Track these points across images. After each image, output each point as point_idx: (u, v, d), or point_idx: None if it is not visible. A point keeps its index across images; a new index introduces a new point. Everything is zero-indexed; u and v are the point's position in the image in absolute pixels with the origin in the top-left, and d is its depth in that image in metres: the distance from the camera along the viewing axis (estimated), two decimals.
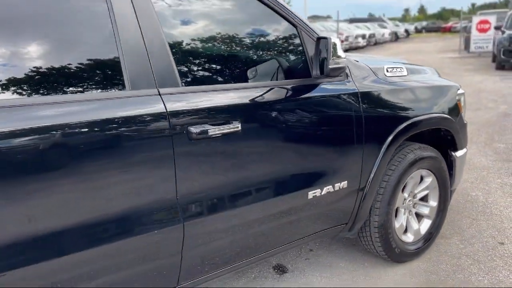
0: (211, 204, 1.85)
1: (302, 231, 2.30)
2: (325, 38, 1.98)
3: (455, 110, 2.88)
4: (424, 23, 59.56)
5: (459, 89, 2.99)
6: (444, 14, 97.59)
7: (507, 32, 12.16)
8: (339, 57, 2.00)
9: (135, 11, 1.67)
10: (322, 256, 2.94)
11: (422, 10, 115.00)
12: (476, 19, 17.21)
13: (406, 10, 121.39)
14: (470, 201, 3.70)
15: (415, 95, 2.64)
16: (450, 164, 2.96)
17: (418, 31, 51.20)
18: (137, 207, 1.65)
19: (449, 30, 47.86)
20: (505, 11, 19.41)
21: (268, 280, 2.68)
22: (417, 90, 2.67)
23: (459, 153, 2.99)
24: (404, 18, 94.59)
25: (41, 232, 1.45)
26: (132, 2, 1.67)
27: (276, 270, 2.79)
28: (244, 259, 2.09)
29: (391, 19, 47.89)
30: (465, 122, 3.03)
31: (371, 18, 40.39)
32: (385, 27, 32.56)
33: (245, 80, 2.07)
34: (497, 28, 14.25)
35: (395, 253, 2.69)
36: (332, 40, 1.95)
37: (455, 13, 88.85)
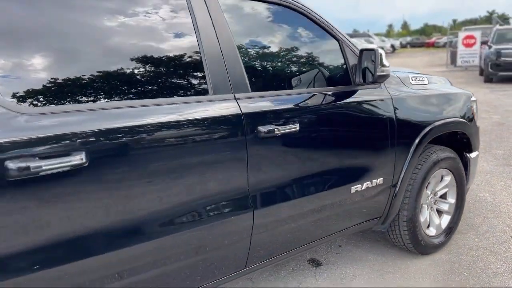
0: (275, 195, 2.10)
1: (345, 222, 2.55)
2: (371, 49, 2.27)
3: (470, 115, 3.19)
4: (408, 38, 60.91)
5: (471, 97, 3.30)
6: (427, 30, 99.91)
7: (494, 46, 12.72)
8: (384, 65, 2.29)
9: (215, 30, 1.93)
10: (351, 251, 3.18)
11: (405, 26, 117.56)
12: (462, 34, 17.86)
13: (390, 26, 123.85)
14: (479, 201, 3.99)
15: (436, 102, 2.94)
16: (465, 164, 3.26)
17: (403, 46, 52.36)
18: (217, 195, 1.89)
19: (432, 45, 49.08)
20: (489, 26, 20.19)
21: (305, 272, 2.91)
22: (437, 97, 2.97)
23: (473, 155, 3.29)
24: (388, 34, 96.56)
25: (152, 213, 1.69)
26: (212, 23, 1.93)
27: (311, 264, 3.03)
28: (299, 245, 2.34)
29: (376, 34, 48.88)
30: (478, 126, 3.34)
31: (357, 34, 41.25)
32: (371, 43, 33.35)
33: (298, 87, 2.34)
34: (484, 43, 14.86)
35: (421, 246, 2.96)
36: (379, 51, 2.24)
37: (437, 29, 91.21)
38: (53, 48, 1.57)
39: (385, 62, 2.29)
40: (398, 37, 73.85)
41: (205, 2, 1.93)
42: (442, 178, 3.11)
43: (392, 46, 42.09)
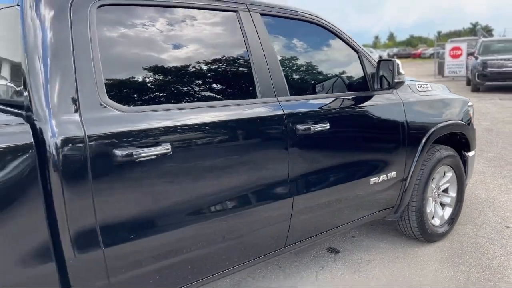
0: (310, 184, 2.45)
1: (365, 211, 2.91)
2: (390, 60, 2.65)
3: (468, 118, 3.58)
4: (395, 50, 62.13)
5: (469, 102, 3.70)
6: (413, 41, 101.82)
7: (480, 57, 13.32)
8: (400, 73, 2.67)
9: (261, 46, 2.30)
10: (364, 241, 3.54)
11: (391, 37, 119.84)
12: (448, 46, 18.54)
13: (377, 37, 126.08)
14: (475, 197, 4.39)
15: (439, 106, 3.33)
16: (464, 162, 3.65)
17: (390, 57, 53.42)
18: (264, 182, 2.24)
19: (419, 56, 50.20)
20: (474, 38, 20.95)
21: (325, 258, 3.25)
22: (440, 102, 3.37)
23: (470, 153, 3.68)
24: (375, 45, 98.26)
25: (216, 194, 2.05)
26: (260, 41, 2.30)
27: (329, 251, 3.37)
28: (327, 230, 2.69)
29: (363, 45, 49.78)
30: (474, 128, 3.73)
31: None
32: None
33: (325, 91, 2.71)
34: (470, 54, 15.48)
35: (428, 234, 3.33)
36: (396, 61, 2.62)
37: (423, 40, 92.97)
38: (143, 66, 1.93)
39: (401, 70, 2.68)
40: (384, 48, 75.21)
41: (254, 24, 2.30)
42: (444, 174, 3.49)
43: (380, 57, 42.94)
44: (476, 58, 13.55)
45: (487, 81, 12.99)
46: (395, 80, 2.65)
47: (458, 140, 3.61)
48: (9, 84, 1.89)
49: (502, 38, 19.68)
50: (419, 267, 3.10)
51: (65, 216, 1.61)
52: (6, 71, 1.93)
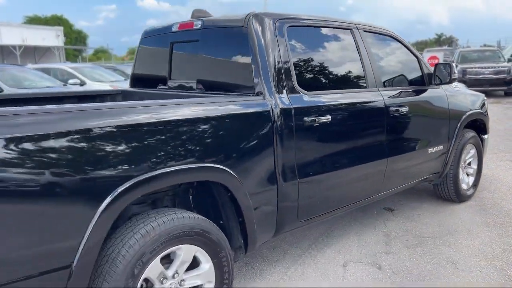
0: (397, 149, 3.49)
1: (423, 173, 3.97)
2: (447, 63, 3.73)
3: (485, 109, 4.72)
4: None
5: (484, 96, 4.84)
6: None
7: (460, 66, 14.82)
8: (455, 73, 3.76)
9: (367, 53, 3.34)
10: (409, 203, 4.59)
11: None
12: (426, 55, 20.14)
13: None
14: (483, 175, 5.54)
15: (468, 99, 4.45)
16: (482, 142, 4.78)
17: None
18: (372, 146, 3.27)
19: None
20: (449, 48, 22.72)
21: (384, 215, 4.29)
22: (468, 95, 4.49)
23: (486, 136, 4.82)
24: None
25: (354, 152, 3.07)
26: (366, 50, 3.33)
27: (386, 210, 4.42)
28: (402, 185, 3.74)
29: None
30: (488, 117, 4.87)
31: None
32: None
33: (398, 85, 3.77)
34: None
35: (460, 195, 4.43)
36: (453, 64, 3.71)
37: None
38: (313, 65, 2.94)
39: (455, 70, 3.76)
40: None
41: (360, 37, 3.34)
42: (469, 150, 4.60)
43: None
44: (456, 66, 15.04)
45: (467, 86, 14.45)
46: (452, 77, 3.74)
47: (478, 125, 4.73)
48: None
49: (478, 48, 21.47)
50: (457, 216, 4.18)
51: (280, 154, 2.59)
52: (229, 72, 2.90)
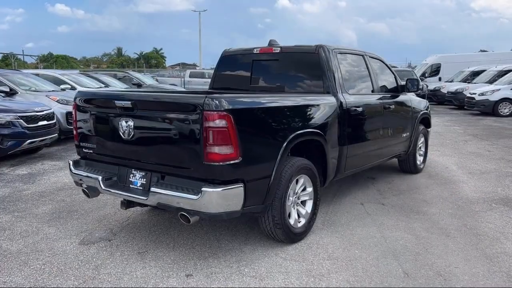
0: (389, 132, 5.52)
1: (397, 151, 6.02)
2: (415, 79, 5.82)
3: (429, 109, 6.95)
4: None
5: (427, 101, 7.08)
6: None
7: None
8: (421, 85, 5.87)
9: (373, 68, 5.32)
10: (382, 175, 6.65)
11: None
12: None
13: None
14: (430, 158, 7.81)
15: (421, 102, 6.63)
16: (427, 133, 7.00)
17: None
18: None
19: None
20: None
21: (370, 181, 6.28)
22: (421, 100, 6.68)
23: (429, 129, 7.06)
24: None
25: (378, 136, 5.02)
26: (372, 66, 5.32)
27: (369, 178, 6.42)
28: (385, 158, 5.77)
29: None
30: (430, 115, 7.11)
31: None
32: None
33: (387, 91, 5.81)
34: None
35: (417, 168, 6.60)
36: (418, 78, 5.80)
37: None
38: (349, 76, 4.85)
39: (420, 83, 5.87)
40: None
41: (369, 60, 5.32)
42: (421, 138, 6.78)
43: None
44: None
45: None
46: (420, 87, 5.84)
47: (425, 121, 6.94)
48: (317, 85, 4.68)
49: (397, 68, 24.94)
50: (417, 180, 6.30)
51: (341, 128, 4.44)
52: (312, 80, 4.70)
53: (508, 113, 15.55)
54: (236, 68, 5.26)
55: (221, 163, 3.14)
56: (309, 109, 4.02)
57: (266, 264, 3.52)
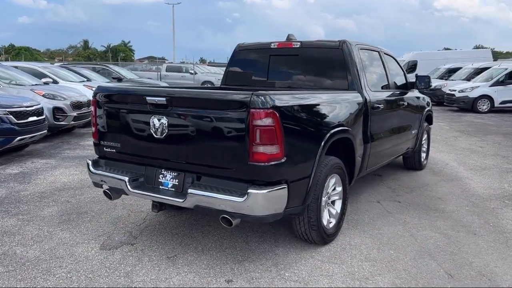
0: (403, 127, 5.48)
1: (407, 147, 6.00)
2: (426, 76, 5.81)
3: (431, 106, 6.98)
4: None
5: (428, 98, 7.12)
6: None
7: None
8: (431, 82, 5.85)
9: (387, 63, 5.26)
10: (388, 173, 6.64)
11: None
12: None
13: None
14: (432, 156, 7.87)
15: (425, 99, 6.64)
16: (429, 130, 7.04)
17: None
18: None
19: None
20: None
21: (378, 178, 6.25)
22: (425, 97, 6.69)
23: (431, 126, 7.10)
24: None
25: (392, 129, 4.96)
26: (386, 61, 5.26)
27: (377, 176, 6.39)
28: (401, 151, 5.74)
29: (219, 63, 53.46)
30: (432, 112, 7.16)
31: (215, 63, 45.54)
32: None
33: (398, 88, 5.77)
34: None
35: (421, 164, 6.62)
36: (428, 75, 5.79)
37: None
38: (371, 73, 4.75)
39: (431, 80, 5.87)
40: None
41: (384, 57, 5.25)
42: (424, 135, 6.81)
43: None
44: None
45: None
46: (430, 84, 5.83)
47: (429, 117, 6.97)
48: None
49: None
50: (423, 177, 6.32)
51: (367, 125, 4.36)
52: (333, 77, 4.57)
53: (486, 110, 15.98)
54: (251, 64, 5.09)
55: (266, 163, 2.98)
56: (341, 106, 3.90)
57: (305, 267, 3.39)
